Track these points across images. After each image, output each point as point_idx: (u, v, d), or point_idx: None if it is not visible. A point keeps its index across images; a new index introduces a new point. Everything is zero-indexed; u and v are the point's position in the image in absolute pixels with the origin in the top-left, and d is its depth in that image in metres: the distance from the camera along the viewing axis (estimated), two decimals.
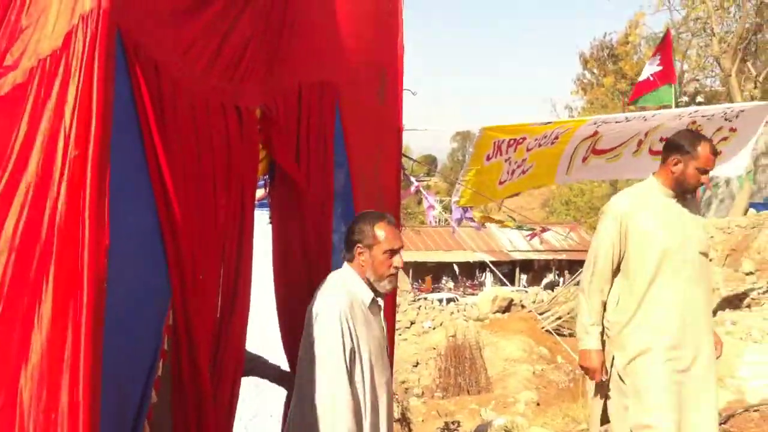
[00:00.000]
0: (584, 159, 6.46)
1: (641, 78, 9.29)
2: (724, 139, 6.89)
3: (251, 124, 2.84)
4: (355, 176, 3.85)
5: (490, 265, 17.81)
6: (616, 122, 6.32)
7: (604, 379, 3.85)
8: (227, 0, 2.70)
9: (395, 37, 4.64)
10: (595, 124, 6.19)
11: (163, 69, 2.30)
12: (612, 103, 23.07)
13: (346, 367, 2.96)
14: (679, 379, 3.72)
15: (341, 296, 3.09)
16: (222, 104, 2.69)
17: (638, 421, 3.70)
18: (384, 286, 3.24)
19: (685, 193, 4.01)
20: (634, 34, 22.30)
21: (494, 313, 21.60)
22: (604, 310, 3.88)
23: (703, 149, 3.91)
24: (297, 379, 3.10)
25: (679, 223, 3.94)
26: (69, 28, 1.87)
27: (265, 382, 3.62)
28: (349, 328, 3.02)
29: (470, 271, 34.40)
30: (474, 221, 6.45)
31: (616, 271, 3.90)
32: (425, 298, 25.70)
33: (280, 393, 3.54)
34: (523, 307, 20.48)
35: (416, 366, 18.20)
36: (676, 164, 3.94)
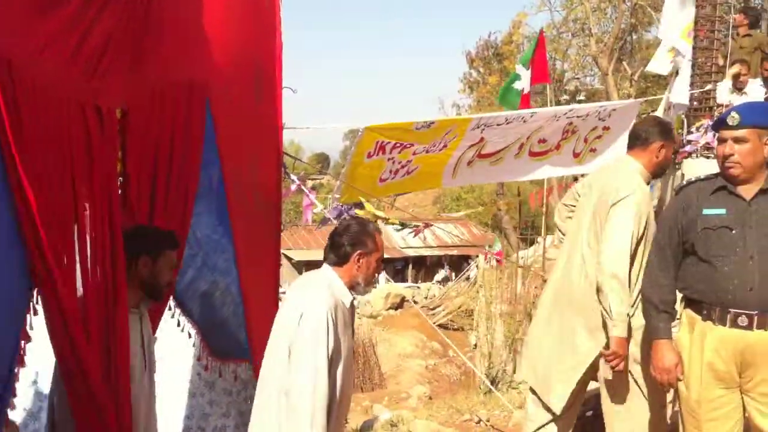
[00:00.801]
0: (469, 163, 6.55)
1: (524, 90, 9.50)
2: (599, 137, 7.15)
3: (111, 123, 2.78)
4: (228, 175, 3.79)
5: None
6: (498, 125, 6.41)
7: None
8: None
9: (272, 36, 4.59)
10: (478, 127, 6.27)
11: (17, 68, 2.30)
12: (497, 101, 23.67)
13: (328, 362, 3.08)
14: None
15: (328, 297, 3.20)
16: (82, 103, 2.64)
17: None
18: (368, 290, 3.43)
19: (658, 177, 4.15)
20: (518, 33, 22.95)
21: (387, 309, 21.81)
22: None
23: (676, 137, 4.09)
24: (267, 371, 3.21)
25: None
26: None
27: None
28: (334, 326, 3.14)
29: None
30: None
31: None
32: None
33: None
34: (415, 302, 20.72)
35: None
36: (660, 149, 4.03)
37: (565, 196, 4.62)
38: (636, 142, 4.11)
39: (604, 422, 4.12)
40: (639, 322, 3.73)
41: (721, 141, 3.26)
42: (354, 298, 3.39)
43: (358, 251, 3.32)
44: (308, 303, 3.18)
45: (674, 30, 9.04)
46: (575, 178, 14.37)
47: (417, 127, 5.70)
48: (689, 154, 7.71)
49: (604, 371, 3.90)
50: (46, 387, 3.51)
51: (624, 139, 7.35)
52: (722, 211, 3.24)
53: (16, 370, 2.46)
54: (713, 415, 3.27)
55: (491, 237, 26.29)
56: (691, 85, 8.60)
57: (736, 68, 8.45)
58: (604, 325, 3.81)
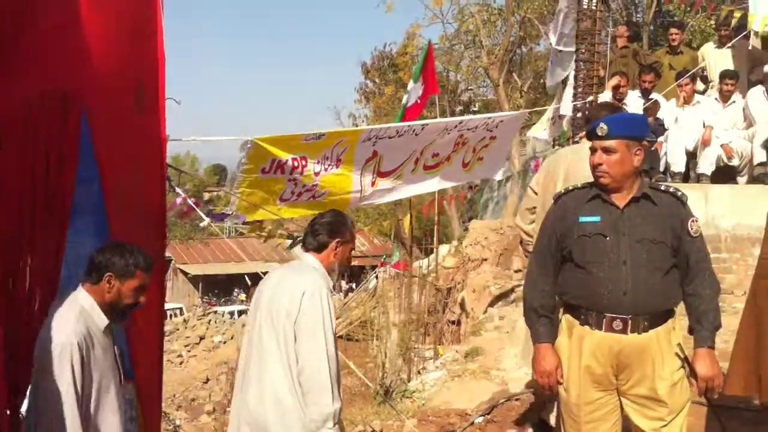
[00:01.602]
0: (373, 183, 6.56)
1: (408, 103, 9.56)
2: (485, 146, 7.29)
3: None
4: (108, 189, 3.67)
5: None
6: (389, 137, 6.43)
7: None
8: None
9: (154, 46, 4.47)
10: (369, 139, 6.28)
11: None
12: (393, 111, 23.78)
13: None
14: None
15: (321, 278, 3.57)
16: None
17: None
18: (337, 277, 3.77)
19: None
20: (412, 45, 23.24)
21: None
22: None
23: None
24: (271, 344, 3.50)
25: None
26: None
27: None
28: (330, 305, 3.53)
29: None
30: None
31: None
32: (215, 312, 25.15)
33: None
34: None
35: (207, 382, 17.81)
36: None
37: (523, 201, 4.77)
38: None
39: None
40: None
41: (593, 151, 3.37)
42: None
43: (337, 239, 3.69)
44: (309, 283, 3.52)
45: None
46: (471, 187, 14.67)
47: (306, 138, 5.66)
48: None
49: None
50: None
51: (507, 146, 7.55)
52: (597, 218, 3.35)
53: None
54: (592, 417, 3.38)
55: (391, 247, 26.48)
56: (575, 96, 8.92)
57: (615, 80, 8.82)
58: None
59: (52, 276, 3.42)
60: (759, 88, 8.78)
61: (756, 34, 9.08)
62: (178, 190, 4.90)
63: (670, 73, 9.62)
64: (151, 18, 4.42)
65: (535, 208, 4.65)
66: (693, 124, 8.86)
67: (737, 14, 9.47)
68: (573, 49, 9.38)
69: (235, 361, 14.98)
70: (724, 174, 8.62)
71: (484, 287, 9.97)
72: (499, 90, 19.92)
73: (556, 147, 11.47)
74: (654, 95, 9.18)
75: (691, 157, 8.95)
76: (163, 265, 4.42)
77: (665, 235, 3.31)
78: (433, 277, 12.83)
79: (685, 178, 8.82)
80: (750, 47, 9.67)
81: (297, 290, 3.49)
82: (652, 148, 8.86)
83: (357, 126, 24.23)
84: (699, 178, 8.70)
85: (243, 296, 34.45)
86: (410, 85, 9.36)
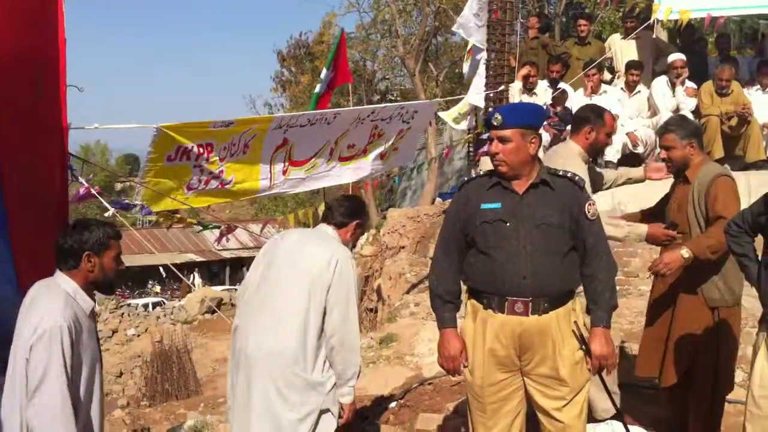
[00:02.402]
0: (284, 171, 6.50)
1: (321, 92, 9.48)
2: (402, 137, 7.35)
3: None
4: (6, 176, 3.54)
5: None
6: (301, 126, 6.40)
7: None
8: None
9: (54, 33, 4.33)
10: (280, 127, 6.23)
11: None
12: (309, 100, 23.77)
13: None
14: None
15: (346, 249, 3.92)
16: None
17: None
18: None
19: (597, 156, 4.67)
20: (328, 34, 23.16)
21: (203, 314, 21.31)
22: None
23: (607, 116, 4.52)
24: (296, 303, 3.73)
25: None
26: None
27: None
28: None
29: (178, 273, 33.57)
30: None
31: None
32: (129, 305, 24.63)
33: None
34: (233, 305, 20.38)
35: (120, 376, 17.42)
36: (590, 132, 4.41)
37: None
38: (572, 127, 4.61)
39: None
40: None
41: (491, 140, 3.45)
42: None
43: (357, 221, 4.03)
44: (339, 252, 3.83)
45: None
46: (387, 175, 14.67)
47: (214, 126, 5.59)
48: (486, 153, 8.12)
49: None
50: None
51: (420, 134, 7.62)
52: (498, 205, 3.42)
53: None
54: (496, 397, 3.46)
55: None
56: (486, 85, 9.07)
57: (525, 70, 9.01)
58: None
59: None
60: (663, 78, 9.10)
61: (660, 23, 9.39)
62: (81, 179, 4.78)
63: (578, 64, 9.87)
64: (50, 4, 4.29)
65: None
66: None
67: (642, 4, 9.78)
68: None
69: (150, 353, 14.71)
70: (630, 161, 8.90)
71: (400, 275, 10.04)
72: (416, 79, 20.08)
73: (470, 135, 11.63)
74: (562, 85, 9.41)
75: None
76: None
77: (563, 219, 3.40)
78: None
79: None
80: (654, 37, 9.98)
81: (327, 257, 3.79)
82: (561, 137, 9.09)
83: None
84: (606, 165, 8.96)
85: (158, 288, 33.79)
86: (323, 73, 9.29)
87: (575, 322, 3.47)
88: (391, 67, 24.22)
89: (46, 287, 3.25)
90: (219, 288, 28.79)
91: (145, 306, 26.60)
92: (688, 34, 10.42)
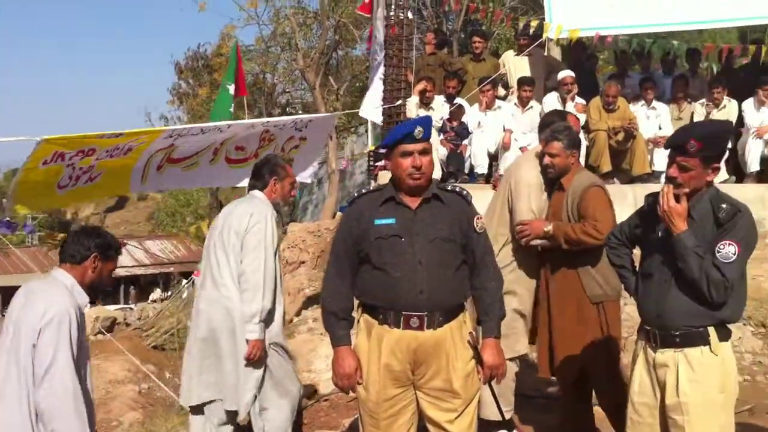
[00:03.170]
0: (159, 167, 6.34)
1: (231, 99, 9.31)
2: (296, 147, 7.28)
3: None
4: None
5: None
6: (192, 135, 6.28)
7: None
8: None
9: None
10: (171, 137, 6.09)
11: None
12: (209, 113, 23.31)
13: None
14: None
15: (266, 206, 4.61)
16: None
17: None
18: (283, 207, 4.54)
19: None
20: (226, 46, 22.79)
21: (95, 334, 20.49)
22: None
23: (570, 118, 4.85)
24: (221, 258, 4.53)
25: None
26: None
27: None
28: (275, 228, 4.61)
29: None
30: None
31: None
32: None
33: None
34: (127, 325, 19.69)
35: None
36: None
37: None
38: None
39: None
40: None
41: (407, 154, 3.40)
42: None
43: (274, 178, 4.66)
44: (256, 208, 4.51)
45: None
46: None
47: (102, 137, 5.41)
48: (384, 168, 8.14)
49: None
50: None
51: (319, 149, 7.57)
52: (392, 220, 3.42)
53: None
54: (390, 412, 3.44)
55: None
56: (384, 99, 9.09)
57: (421, 85, 9.08)
58: None
59: None
60: (554, 94, 9.36)
61: (552, 41, 9.66)
62: None
63: (474, 79, 10.04)
64: None
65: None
66: (494, 128, 9.30)
67: (534, 23, 10.05)
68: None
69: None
70: None
71: (299, 290, 9.93)
72: (316, 93, 20.00)
73: (370, 148, 11.65)
74: (458, 100, 9.54)
75: (493, 159, 9.38)
76: None
77: (455, 233, 3.44)
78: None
79: (488, 179, 9.22)
80: (546, 54, 10.26)
81: (245, 212, 4.48)
82: (458, 151, 9.22)
83: None
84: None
85: None
86: (232, 88, 9.09)
87: (471, 333, 3.51)
88: (292, 81, 24.06)
89: (42, 282, 3.54)
90: (113, 307, 27.85)
91: None
92: (578, 52, 10.77)
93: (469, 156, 9.31)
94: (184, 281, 22.07)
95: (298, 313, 8.78)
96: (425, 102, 9.16)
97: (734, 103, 9.30)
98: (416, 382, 3.45)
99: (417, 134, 3.38)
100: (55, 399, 3.25)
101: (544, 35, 9.57)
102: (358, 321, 3.56)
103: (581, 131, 8.88)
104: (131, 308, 25.85)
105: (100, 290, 3.70)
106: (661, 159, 8.51)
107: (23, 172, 5.20)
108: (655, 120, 9.41)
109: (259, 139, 6.90)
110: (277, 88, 24.91)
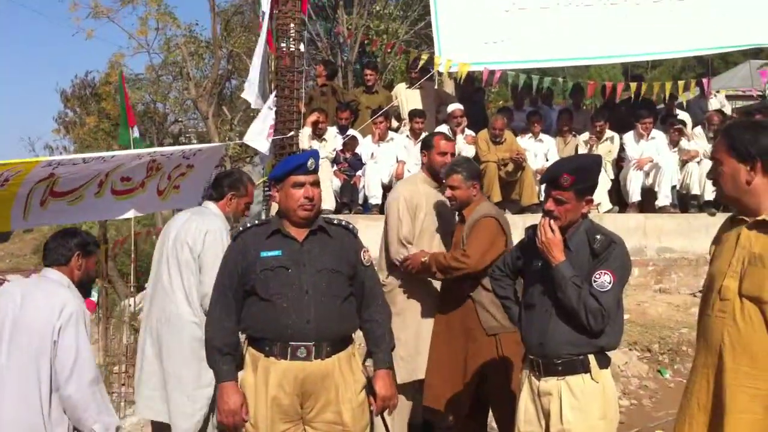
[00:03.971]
0: (42, 202, 6.06)
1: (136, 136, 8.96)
2: (182, 175, 7.12)
3: None
4: None
5: None
6: (74, 164, 6.05)
7: None
8: None
9: None
10: (50, 165, 5.85)
11: None
12: (96, 143, 22.59)
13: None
14: None
15: (221, 222, 4.60)
16: None
17: None
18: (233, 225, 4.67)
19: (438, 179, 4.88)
20: (115, 74, 22.21)
21: None
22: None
23: (437, 140, 4.96)
24: (174, 273, 4.51)
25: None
26: None
27: None
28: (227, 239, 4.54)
29: None
30: None
31: None
32: None
33: None
34: None
35: None
36: (424, 157, 5.00)
37: (399, 229, 4.88)
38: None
39: None
40: None
41: (299, 185, 3.44)
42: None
43: (232, 193, 4.65)
44: (211, 224, 4.45)
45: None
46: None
47: None
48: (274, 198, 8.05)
49: None
50: None
51: (206, 176, 7.43)
52: (278, 252, 3.42)
53: None
54: None
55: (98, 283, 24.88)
56: (276, 131, 9.03)
57: (313, 116, 9.08)
58: None
59: None
60: (444, 127, 9.52)
61: (441, 74, 9.84)
62: None
63: (367, 111, 10.12)
64: None
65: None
66: (387, 159, 9.38)
67: (424, 57, 10.23)
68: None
69: None
70: None
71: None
72: (209, 123, 19.73)
73: (264, 179, 11.52)
74: (351, 131, 9.59)
75: (387, 190, 9.44)
76: None
77: (341, 265, 3.46)
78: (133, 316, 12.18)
79: (382, 210, 9.26)
80: (436, 87, 10.46)
81: (200, 230, 4.41)
82: (351, 182, 9.23)
83: None
84: None
85: None
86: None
87: (364, 364, 3.54)
88: (184, 110, 23.67)
89: (38, 282, 3.84)
90: None
91: None
92: (468, 85, 11.02)
93: (363, 187, 9.34)
94: None
95: None
96: (318, 133, 9.16)
97: (616, 136, 9.72)
98: (305, 417, 3.41)
99: (310, 165, 3.44)
100: (85, 389, 3.61)
101: (435, 69, 9.74)
102: (244, 356, 3.49)
103: None
104: None
105: (88, 285, 4.01)
106: None
107: None
108: (542, 152, 9.73)
109: (146, 169, 6.72)
110: (168, 117, 24.44)
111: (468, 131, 9.47)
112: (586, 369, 3.34)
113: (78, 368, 3.59)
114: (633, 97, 10.80)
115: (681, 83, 10.89)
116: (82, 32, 21.25)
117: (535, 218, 8.41)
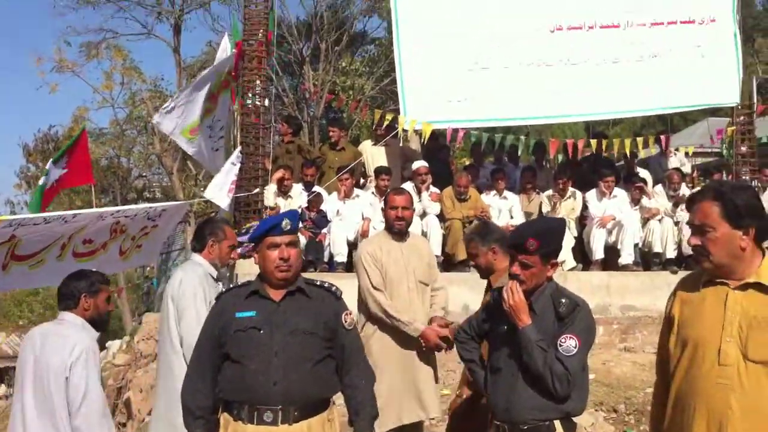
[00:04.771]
0: (4, 266, 5.96)
1: (46, 185, 8.61)
2: (146, 234, 7.05)
3: None
4: None
5: None
6: (35, 224, 5.96)
7: None
8: None
9: None
10: (11, 226, 5.75)
11: None
12: (57, 197, 22.31)
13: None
14: None
15: (196, 270, 4.81)
16: None
17: None
18: (221, 270, 5.13)
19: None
20: (79, 128, 22.10)
21: None
22: None
23: (390, 196, 5.07)
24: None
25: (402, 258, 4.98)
26: None
27: None
28: (202, 287, 4.73)
29: None
30: None
31: None
32: None
33: None
34: None
35: None
36: (212, 245, 4.95)
37: (372, 278, 4.98)
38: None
39: None
40: None
41: (274, 246, 3.41)
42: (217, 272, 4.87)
43: (211, 239, 4.83)
44: (186, 275, 4.66)
45: (178, 126, 9.08)
46: (145, 276, 13.73)
47: None
48: (241, 256, 7.97)
49: None
50: None
51: (168, 232, 7.35)
52: (252, 313, 3.38)
53: None
54: None
55: None
56: (241, 187, 8.99)
57: (279, 173, 9.08)
58: None
59: None
60: (409, 184, 9.57)
61: (406, 131, 9.90)
62: None
63: (332, 168, 10.13)
64: None
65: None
66: (353, 217, 9.37)
67: (389, 116, 10.31)
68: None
69: None
70: None
71: (152, 386, 9.45)
72: (173, 178, 19.62)
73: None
74: (317, 188, 9.59)
75: (353, 247, 9.39)
76: None
77: (318, 326, 3.39)
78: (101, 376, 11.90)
79: (348, 267, 9.21)
80: (401, 145, 10.53)
81: (177, 278, 4.70)
82: (317, 240, 9.19)
83: (15, 214, 22.29)
84: None
85: None
86: (48, 165, 8.49)
87: None
88: (149, 165, 23.53)
89: (54, 325, 4.18)
90: None
91: None
92: (432, 143, 11.12)
93: (329, 245, 9.28)
94: None
95: (149, 413, 8.32)
96: (283, 190, 9.14)
97: (578, 193, 9.83)
98: None
99: (285, 226, 3.41)
100: (92, 419, 3.92)
101: (399, 127, 9.82)
102: (219, 419, 3.41)
103: (438, 220, 9.15)
104: None
105: (103, 321, 4.27)
106: None
107: None
108: (506, 209, 9.80)
109: (109, 231, 6.64)
110: (132, 172, 24.27)
111: (433, 188, 9.52)
112: None
113: (87, 402, 3.91)
114: (595, 155, 10.97)
115: (640, 140, 11.11)
116: (47, 86, 21.00)
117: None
